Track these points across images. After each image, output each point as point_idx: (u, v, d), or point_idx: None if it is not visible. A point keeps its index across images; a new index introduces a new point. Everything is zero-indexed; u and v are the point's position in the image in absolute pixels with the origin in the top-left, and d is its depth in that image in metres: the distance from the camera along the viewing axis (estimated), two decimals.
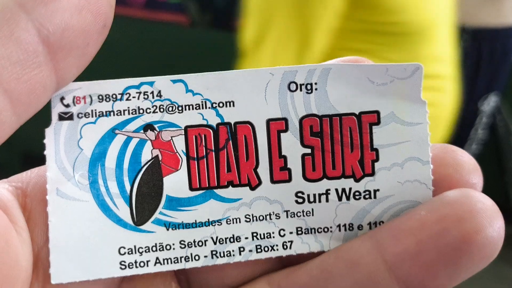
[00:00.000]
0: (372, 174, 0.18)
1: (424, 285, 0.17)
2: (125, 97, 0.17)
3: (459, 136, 1.04)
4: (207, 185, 0.18)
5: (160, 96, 0.18)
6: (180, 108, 0.18)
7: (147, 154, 0.18)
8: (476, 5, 0.92)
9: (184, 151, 0.18)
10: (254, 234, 0.19)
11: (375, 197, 0.19)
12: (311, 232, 0.19)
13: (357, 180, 0.19)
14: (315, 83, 0.18)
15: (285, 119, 0.18)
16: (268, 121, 0.18)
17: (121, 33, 1.29)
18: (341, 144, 0.18)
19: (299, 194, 0.19)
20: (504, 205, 1.35)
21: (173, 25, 1.34)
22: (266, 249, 0.19)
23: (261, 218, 0.19)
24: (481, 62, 0.95)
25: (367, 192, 0.19)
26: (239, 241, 0.19)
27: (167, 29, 1.34)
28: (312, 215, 0.19)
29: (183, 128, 0.18)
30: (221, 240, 0.18)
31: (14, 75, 0.14)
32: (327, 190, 0.19)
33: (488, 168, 1.03)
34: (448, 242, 0.16)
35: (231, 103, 0.18)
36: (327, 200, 0.19)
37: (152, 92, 0.17)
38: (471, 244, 0.16)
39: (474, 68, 0.96)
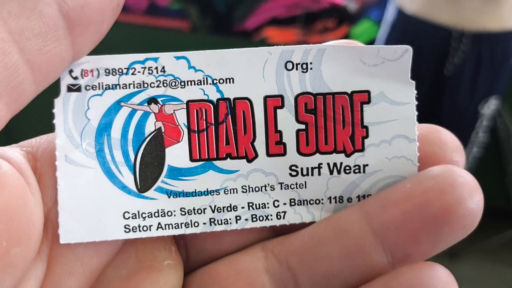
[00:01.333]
0: (362, 150, 0.20)
1: (408, 252, 0.18)
2: (130, 71, 0.18)
3: (460, 139, 1.04)
4: (207, 157, 0.19)
5: (164, 71, 0.18)
6: (182, 83, 0.19)
7: (150, 126, 0.19)
8: (476, 9, 0.92)
9: (186, 124, 0.19)
10: (250, 204, 0.20)
11: (364, 171, 0.20)
12: (304, 204, 0.20)
13: (347, 155, 0.20)
14: (311, 63, 0.19)
15: (281, 96, 0.19)
16: (265, 98, 0.19)
17: (123, 39, 1.30)
18: (334, 121, 0.19)
19: (293, 168, 0.20)
20: (505, 207, 1.35)
21: (174, 31, 1.35)
22: (261, 218, 0.20)
23: (257, 189, 0.20)
24: (481, 66, 0.96)
25: (357, 167, 0.20)
26: (236, 210, 0.20)
27: (169, 35, 1.34)
28: (305, 187, 0.20)
29: (185, 102, 0.19)
30: (219, 208, 0.19)
31: (36, 46, 0.15)
32: (319, 164, 0.20)
33: (489, 170, 1.03)
34: (431, 212, 0.17)
35: (231, 80, 0.19)
36: (319, 174, 0.20)
37: (157, 68, 0.18)
38: (452, 215, 0.17)
39: (474, 72, 0.96)
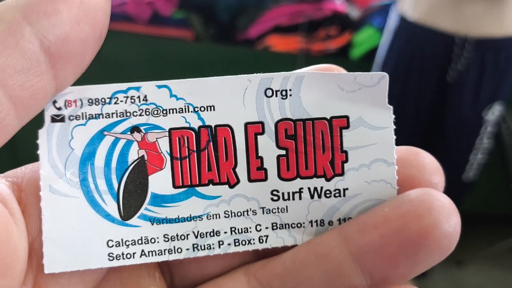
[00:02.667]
0: (342, 174, 0.20)
1: (386, 275, 0.18)
2: (113, 101, 0.19)
3: (465, 145, 1.04)
4: (189, 183, 0.20)
5: (146, 100, 0.19)
6: (164, 112, 0.19)
7: (133, 154, 0.19)
8: (479, 16, 0.92)
9: (168, 151, 0.19)
10: (233, 229, 0.20)
11: (344, 195, 0.20)
12: (285, 227, 0.20)
13: (328, 180, 0.20)
14: (290, 90, 0.19)
15: (262, 123, 0.19)
16: (246, 124, 0.19)
17: (127, 49, 1.30)
18: (314, 146, 0.20)
19: (274, 192, 0.20)
20: (510, 213, 1.34)
21: (177, 40, 1.35)
22: (243, 242, 0.20)
23: (239, 214, 0.20)
24: (485, 72, 0.95)
25: (337, 191, 0.20)
26: (219, 235, 0.20)
27: (172, 44, 1.34)
28: (286, 211, 0.20)
29: (167, 130, 0.19)
30: (202, 234, 0.20)
31: (18, 82, 0.15)
32: (300, 188, 0.20)
33: (494, 177, 1.02)
34: (408, 236, 0.17)
35: (212, 107, 0.19)
36: (300, 198, 0.20)
37: (139, 97, 0.19)
38: (429, 238, 0.17)
39: (478, 78, 0.96)
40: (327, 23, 1.30)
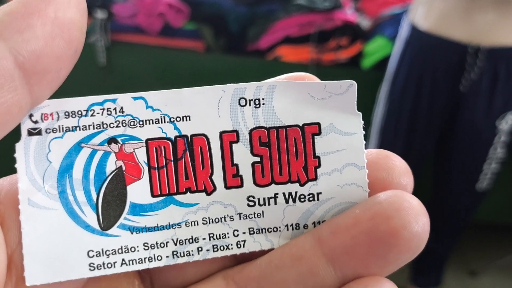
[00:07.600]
0: (315, 179, 0.20)
1: (358, 274, 0.19)
2: (89, 113, 0.19)
3: (478, 155, 1.03)
4: (167, 192, 0.20)
5: (122, 112, 0.19)
6: (141, 123, 0.19)
7: (111, 165, 0.19)
8: (491, 25, 0.92)
9: (146, 161, 0.20)
10: (211, 235, 0.20)
11: (318, 199, 0.20)
12: (262, 232, 0.21)
13: (302, 185, 0.20)
14: (263, 99, 0.20)
15: (236, 131, 0.20)
16: (221, 133, 0.20)
17: (139, 61, 1.31)
18: (287, 153, 0.20)
19: (250, 198, 0.20)
20: None
21: (188, 51, 1.35)
22: (222, 248, 0.20)
23: (216, 220, 0.20)
24: (498, 81, 0.95)
25: (311, 195, 0.20)
26: (197, 241, 0.20)
27: (183, 55, 1.35)
28: (263, 216, 0.21)
29: (144, 141, 0.20)
30: (181, 241, 0.20)
31: None
32: (275, 194, 0.20)
33: (508, 186, 1.00)
34: (378, 236, 0.18)
35: (187, 118, 0.20)
36: (275, 203, 0.20)
37: (115, 109, 0.19)
38: (398, 238, 0.18)
39: (491, 87, 0.95)
40: (338, 33, 1.30)
